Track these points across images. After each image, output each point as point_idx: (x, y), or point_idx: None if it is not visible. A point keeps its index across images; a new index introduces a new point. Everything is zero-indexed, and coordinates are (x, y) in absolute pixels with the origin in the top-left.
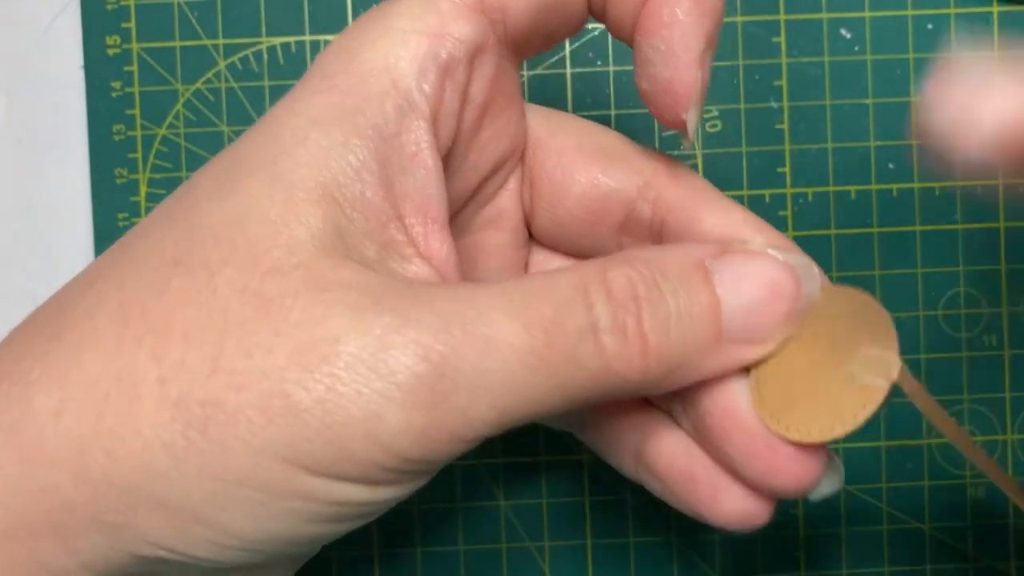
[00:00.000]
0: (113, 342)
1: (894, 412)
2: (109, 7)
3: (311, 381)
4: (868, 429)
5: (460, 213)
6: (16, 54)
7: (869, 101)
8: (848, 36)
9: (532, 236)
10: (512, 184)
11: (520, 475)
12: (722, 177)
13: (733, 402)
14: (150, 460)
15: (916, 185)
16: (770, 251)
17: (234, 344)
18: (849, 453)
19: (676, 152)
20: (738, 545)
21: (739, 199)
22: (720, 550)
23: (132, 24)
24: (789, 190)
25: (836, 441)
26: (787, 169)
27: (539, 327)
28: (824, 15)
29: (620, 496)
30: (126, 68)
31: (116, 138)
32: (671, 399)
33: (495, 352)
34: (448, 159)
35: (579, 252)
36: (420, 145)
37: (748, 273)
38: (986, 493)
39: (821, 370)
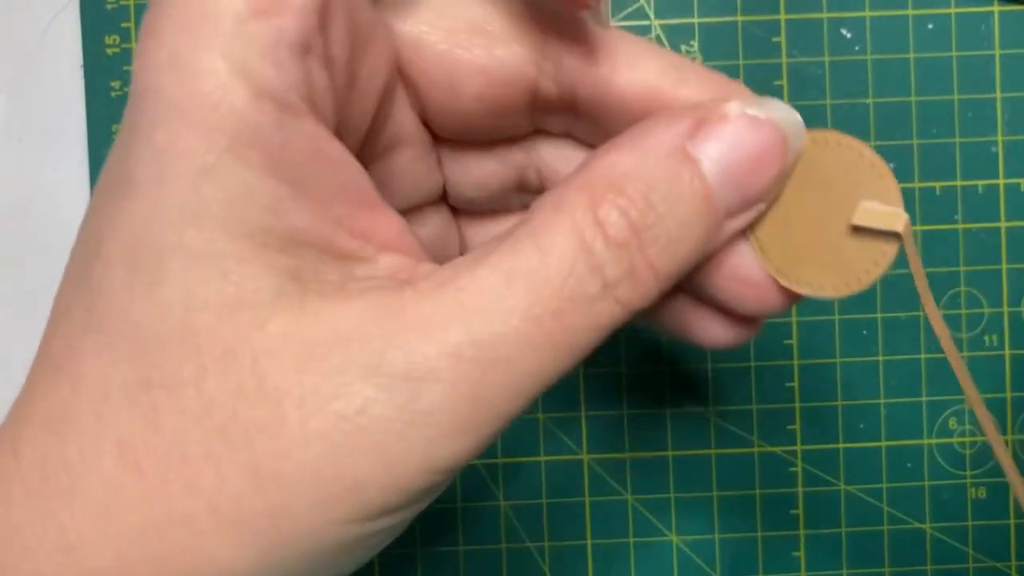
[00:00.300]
0: (139, 494)
1: (895, 412)
2: (109, 7)
3: (358, 455)
4: (868, 431)
5: (360, 153)
6: (16, 54)
7: (869, 101)
8: (848, 36)
9: (436, 135)
10: (400, 97)
11: (520, 475)
12: None
13: (739, 267)
14: (236, 574)
15: (917, 185)
16: (748, 111)
17: (265, 448)
18: (850, 453)
19: None
20: (738, 544)
21: None
22: (720, 549)
23: (131, 24)
24: None
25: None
26: None
27: (548, 314)
28: (824, 15)
29: (620, 496)
30: (125, 68)
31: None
32: None
33: (520, 360)
34: (336, 128)
35: (492, 141)
36: (316, 143)
37: (732, 146)
38: (987, 493)
39: (822, 224)
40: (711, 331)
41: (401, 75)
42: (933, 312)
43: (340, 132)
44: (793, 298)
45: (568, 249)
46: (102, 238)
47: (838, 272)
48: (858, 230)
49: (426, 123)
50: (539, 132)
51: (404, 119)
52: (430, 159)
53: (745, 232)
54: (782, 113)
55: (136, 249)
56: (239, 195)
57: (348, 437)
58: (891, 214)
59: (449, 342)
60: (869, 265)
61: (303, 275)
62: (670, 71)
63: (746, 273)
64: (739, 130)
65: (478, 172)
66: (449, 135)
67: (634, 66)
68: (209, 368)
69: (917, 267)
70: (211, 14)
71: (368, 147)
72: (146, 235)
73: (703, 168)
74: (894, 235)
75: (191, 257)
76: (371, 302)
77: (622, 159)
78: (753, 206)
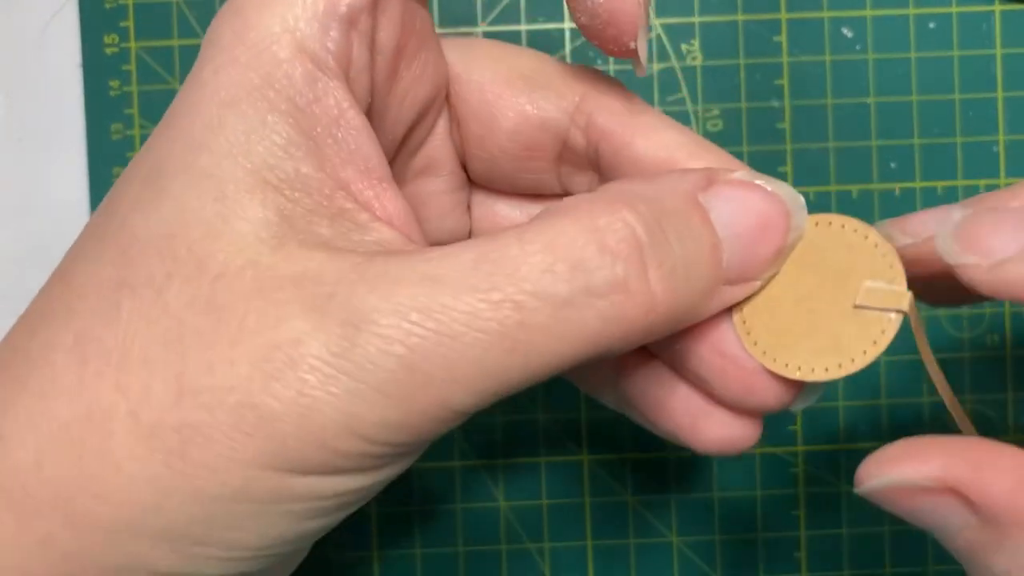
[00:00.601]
0: (76, 382)
1: (896, 412)
2: (107, 6)
3: (279, 388)
4: (870, 430)
5: (391, 165)
6: (15, 53)
7: (871, 100)
8: (849, 35)
9: (470, 178)
10: (441, 127)
11: (520, 475)
12: None
13: (724, 342)
14: (138, 496)
15: (918, 184)
16: (758, 182)
17: (195, 361)
18: (851, 454)
19: None
20: (738, 545)
21: None
22: (720, 550)
23: (130, 23)
24: None
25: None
26: (788, 168)
27: (508, 303)
28: (825, 14)
29: (620, 496)
30: (124, 67)
31: (114, 137)
32: None
33: (465, 342)
34: (369, 115)
35: (519, 189)
36: (342, 107)
37: (740, 208)
38: None
39: (817, 305)
40: (703, 424)
41: (448, 106)
42: (944, 387)
43: (372, 121)
44: (788, 389)
45: (553, 247)
46: (139, 161)
47: (832, 354)
48: (856, 311)
49: (463, 164)
50: (567, 195)
51: (442, 146)
52: (460, 195)
53: (731, 311)
54: (787, 191)
55: (154, 168)
56: (255, 130)
57: (274, 366)
58: (896, 293)
59: (396, 301)
60: (867, 345)
61: (294, 220)
62: (687, 144)
63: (734, 352)
64: (746, 194)
65: (504, 222)
66: (481, 176)
67: (654, 133)
68: (176, 277)
69: (924, 345)
70: None
71: (402, 159)
72: (166, 155)
73: (712, 219)
74: (899, 313)
75: (195, 176)
76: (343, 256)
77: (636, 186)
78: (751, 279)
